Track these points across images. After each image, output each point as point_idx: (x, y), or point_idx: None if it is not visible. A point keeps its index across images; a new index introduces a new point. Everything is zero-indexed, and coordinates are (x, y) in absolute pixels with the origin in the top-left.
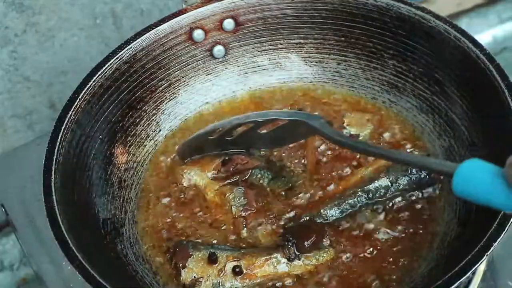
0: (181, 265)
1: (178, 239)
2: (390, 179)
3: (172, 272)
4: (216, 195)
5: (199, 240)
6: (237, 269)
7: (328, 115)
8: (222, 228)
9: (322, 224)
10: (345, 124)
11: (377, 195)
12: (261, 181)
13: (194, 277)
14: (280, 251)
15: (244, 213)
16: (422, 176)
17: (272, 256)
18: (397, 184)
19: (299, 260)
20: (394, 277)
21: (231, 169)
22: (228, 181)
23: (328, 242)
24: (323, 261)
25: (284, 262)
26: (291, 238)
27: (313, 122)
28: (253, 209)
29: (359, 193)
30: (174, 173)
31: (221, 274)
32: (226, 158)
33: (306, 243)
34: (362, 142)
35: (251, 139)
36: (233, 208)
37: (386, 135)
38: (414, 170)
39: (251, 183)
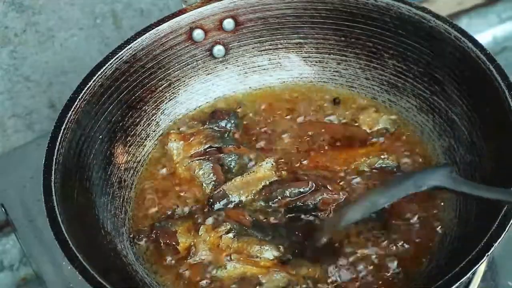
0: (174, 242)
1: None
2: None
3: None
4: (185, 170)
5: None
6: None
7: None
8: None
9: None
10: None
11: None
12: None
13: (192, 244)
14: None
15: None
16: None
17: (264, 247)
18: None
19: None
20: (395, 277)
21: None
22: (198, 157)
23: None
24: (304, 274)
25: (274, 256)
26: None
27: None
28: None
29: None
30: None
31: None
32: (216, 147)
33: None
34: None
35: None
36: (203, 185)
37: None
38: None
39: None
